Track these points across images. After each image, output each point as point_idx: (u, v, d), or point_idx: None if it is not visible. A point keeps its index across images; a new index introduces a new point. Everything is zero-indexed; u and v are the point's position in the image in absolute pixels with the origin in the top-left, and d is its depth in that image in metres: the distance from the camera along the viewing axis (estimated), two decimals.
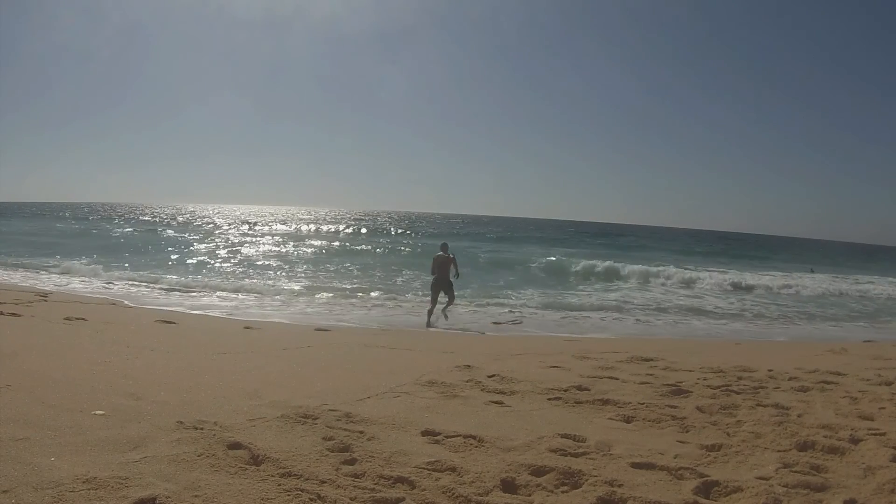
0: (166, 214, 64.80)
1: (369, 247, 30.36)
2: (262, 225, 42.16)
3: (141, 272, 16.21)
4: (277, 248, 26.92)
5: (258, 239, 33.26)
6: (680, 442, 3.42)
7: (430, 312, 10.07)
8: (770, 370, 5.79)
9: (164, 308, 10.01)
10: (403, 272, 18.86)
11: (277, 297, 12.87)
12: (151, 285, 13.76)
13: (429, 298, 10.45)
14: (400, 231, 41.35)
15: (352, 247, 30.08)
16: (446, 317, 10.33)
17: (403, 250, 29.01)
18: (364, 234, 38.26)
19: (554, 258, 25.66)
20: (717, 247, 45.34)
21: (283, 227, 41.44)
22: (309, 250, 26.36)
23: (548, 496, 2.56)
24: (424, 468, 2.74)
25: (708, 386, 4.91)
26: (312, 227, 44.51)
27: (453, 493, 2.47)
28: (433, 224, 64.57)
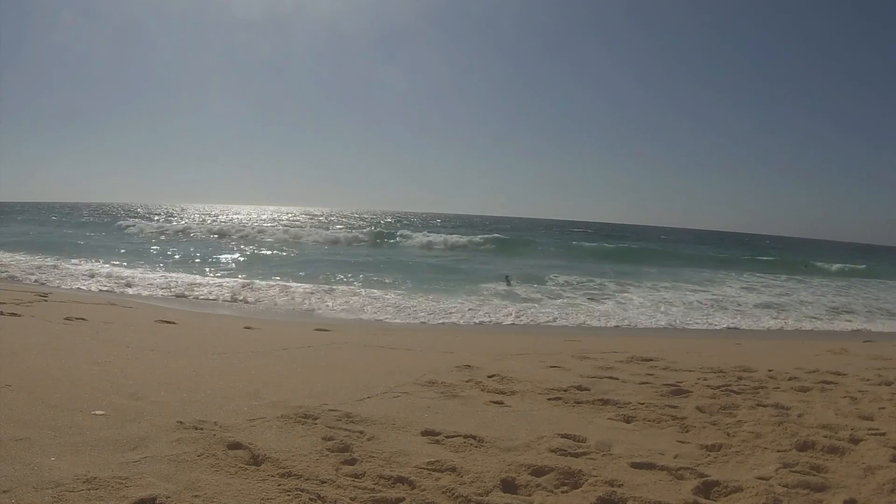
0: (165, 213, 64.39)
1: (371, 249, 30.29)
2: (260, 224, 41.86)
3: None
4: (279, 248, 26.92)
5: (259, 239, 33.21)
6: (680, 442, 3.42)
7: None
8: (770, 370, 5.79)
9: (164, 307, 10.01)
10: (394, 274, 18.79)
11: (282, 296, 12.86)
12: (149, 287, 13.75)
13: None
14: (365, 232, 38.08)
15: (350, 248, 30.08)
16: None
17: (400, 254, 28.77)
18: (363, 235, 37.41)
19: None
20: (727, 250, 43.10)
21: (284, 227, 41.13)
22: (311, 250, 26.37)
23: (548, 496, 2.56)
24: (424, 468, 2.75)
25: (708, 386, 4.91)
26: (315, 226, 43.95)
27: (453, 493, 2.47)
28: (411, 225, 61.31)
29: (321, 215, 79.69)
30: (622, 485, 2.68)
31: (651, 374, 5.42)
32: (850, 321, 13.42)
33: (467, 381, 4.69)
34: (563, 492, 2.62)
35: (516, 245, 33.77)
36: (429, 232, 37.72)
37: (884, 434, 3.59)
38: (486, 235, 35.84)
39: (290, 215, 72.75)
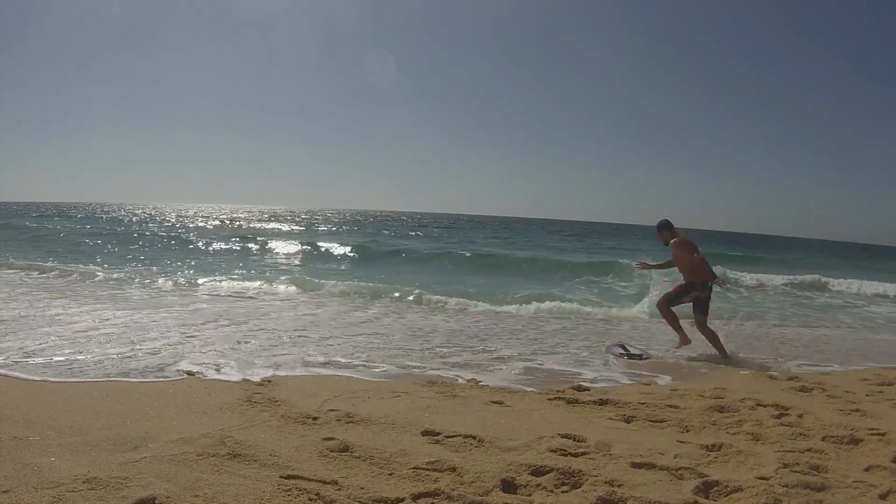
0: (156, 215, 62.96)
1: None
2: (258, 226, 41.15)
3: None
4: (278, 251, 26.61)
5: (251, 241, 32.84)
6: (680, 442, 3.42)
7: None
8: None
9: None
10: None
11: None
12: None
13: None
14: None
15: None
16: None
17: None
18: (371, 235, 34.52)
19: None
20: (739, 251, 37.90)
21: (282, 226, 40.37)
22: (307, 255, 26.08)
23: (548, 496, 2.56)
24: (424, 468, 2.74)
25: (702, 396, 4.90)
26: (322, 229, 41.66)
27: (453, 493, 2.47)
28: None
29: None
30: (622, 485, 2.68)
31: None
32: None
33: (467, 381, 4.69)
34: (563, 492, 2.62)
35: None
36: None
37: (884, 434, 3.58)
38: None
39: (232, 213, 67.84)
